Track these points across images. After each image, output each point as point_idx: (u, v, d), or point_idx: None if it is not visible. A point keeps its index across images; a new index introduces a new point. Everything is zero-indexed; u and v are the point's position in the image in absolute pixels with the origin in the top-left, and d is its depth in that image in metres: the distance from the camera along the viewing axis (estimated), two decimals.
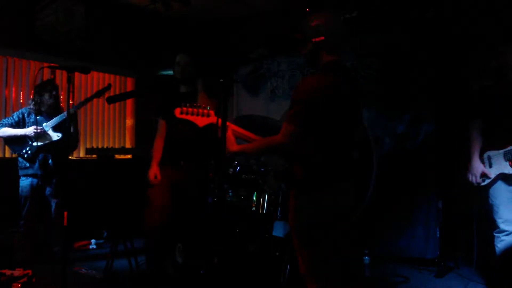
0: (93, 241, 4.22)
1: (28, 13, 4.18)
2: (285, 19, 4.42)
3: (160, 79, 4.72)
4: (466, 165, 2.88)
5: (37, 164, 3.55)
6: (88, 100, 3.66)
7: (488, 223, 2.89)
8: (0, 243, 3.70)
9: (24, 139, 3.54)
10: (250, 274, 2.87)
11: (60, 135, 3.58)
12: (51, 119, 3.57)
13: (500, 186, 2.78)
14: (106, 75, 4.95)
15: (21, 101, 4.28)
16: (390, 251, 3.69)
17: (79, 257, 3.81)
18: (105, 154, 3.80)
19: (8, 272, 2.92)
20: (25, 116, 3.60)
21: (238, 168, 3.18)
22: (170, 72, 3.30)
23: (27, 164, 3.56)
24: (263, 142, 1.90)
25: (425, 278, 3.32)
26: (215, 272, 2.54)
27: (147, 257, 3.01)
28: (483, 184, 2.82)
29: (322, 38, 1.78)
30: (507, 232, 2.76)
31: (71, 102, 3.90)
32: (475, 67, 3.66)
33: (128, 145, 5.08)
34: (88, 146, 4.70)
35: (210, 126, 2.03)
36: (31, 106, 3.59)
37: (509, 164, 2.72)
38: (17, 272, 2.94)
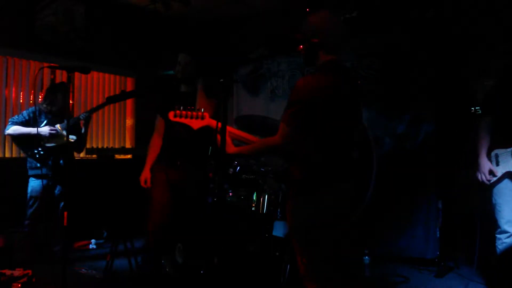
0: (93, 241, 4.22)
1: (28, 13, 4.18)
2: (285, 19, 4.42)
3: (161, 79, 4.72)
4: (467, 165, 2.88)
5: (48, 165, 3.55)
6: (101, 106, 3.71)
7: (490, 223, 2.88)
8: (1, 242, 3.70)
9: (35, 139, 3.50)
10: (250, 274, 2.87)
11: (74, 137, 3.62)
12: (61, 119, 3.58)
13: (506, 185, 2.77)
14: (106, 75, 4.95)
15: (21, 101, 4.28)
16: (390, 251, 3.69)
17: (79, 257, 3.81)
18: (105, 154, 3.80)
19: (8, 272, 2.92)
20: (36, 115, 3.57)
21: (238, 168, 3.18)
22: (171, 72, 3.29)
23: (38, 164, 3.54)
24: (260, 144, 1.90)
25: (425, 278, 3.32)
26: (215, 272, 2.54)
27: (146, 257, 3.00)
28: (488, 183, 2.81)
29: (320, 37, 1.78)
30: (509, 234, 2.73)
31: (71, 102, 3.92)
32: (475, 67, 3.66)
33: (128, 145, 5.08)
34: (88, 146, 4.70)
35: (205, 128, 2.03)
36: (43, 106, 3.60)
37: None
38: (17, 272, 2.94)
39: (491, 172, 2.75)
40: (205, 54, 5.14)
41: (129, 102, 5.12)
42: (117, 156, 3.49)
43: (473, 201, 3.14)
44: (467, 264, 3.44)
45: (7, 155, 4.16)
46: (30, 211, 3.55)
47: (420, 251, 3.61)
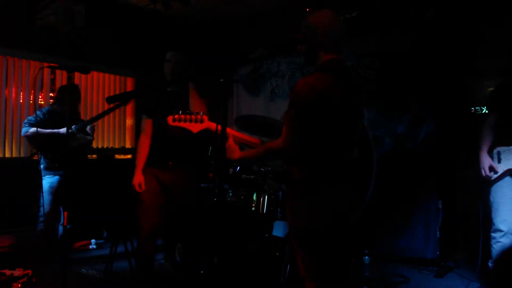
0: (93, 241, 4.22)
1: (28, 13, 4.18)
2: (285, 19, 4.42)
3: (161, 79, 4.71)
4: (467, 165, 2.88)
5: (65, 165, 3.58)
6: (106, 113, 3.76)
7: (491, 222, 2.90)
8: (1, 242, 3.70)
9: (54, 139, 3.52)
10: (250, 274, 2.87)
11: (92, 138, 3.66)
12: (75, 121, 3.63)
13: (506, 183, 2.79)
14: (106, 75, 4.95)
15: (21, 101, 4.28)
16: (390, 251, 3.69)
17: (79, 257, 3.81)
18: (105, 154, 3.82)
19: (8, 272, 2.91)
20: (51, 115, 3.57)
21: (238, 168, 3.18)
22: None
23: (56, 165, 3.56)
24: (264, 148, 1.89)
25: (425, 278, 3.32)
26: (215, 272, 2.54)
27: (140, 262, 2.82)
28: (490, 179, 2.83)
29: (320, 36, 1.78)
30: (503, 233, 2.78)
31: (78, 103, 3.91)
32: (475, 67, 3.66)
33: (128, 145, 5.08)
34: None
35: (204, 132, 2.02)
36: (55, 106, 3.61)
37: None
38: (17, 272, 2.94)
39: (492, 169, 2.77)
40: (205, 54, 5.14)
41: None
42: (117, 156, 3.50)
43: (473, 201, 3.14)
44: (467, 264, 3.44)
45: (7, 155, 4.16)
46: (47, 210, 3.55)
47: (420, 251, 3.61)
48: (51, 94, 4.54)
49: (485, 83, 3.50)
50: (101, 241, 4.28)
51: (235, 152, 1.93)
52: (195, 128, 2.00)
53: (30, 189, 4.06)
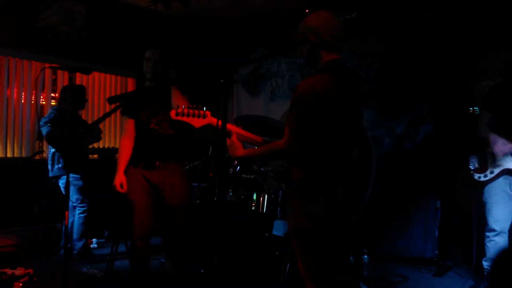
0: (94, 240, 4.23)
1: (30, 14, 4.19)
2: (285, 19, 4.42)
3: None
4: (466, 164, 2.91)
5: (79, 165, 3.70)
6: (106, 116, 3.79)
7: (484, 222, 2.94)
8: (3, 242, 3.72)
9: (72, 139, 3.60)
10: (250, 274, 2.87)
11: (99, 138, 3.83)
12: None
13: (498, 184, 2.82)
14: (107, 75, 4.97)
15: (22, 101, 4.29)
16: (390, 250, 3.70)
17: (80, 256, 3.82)
18: (105, 154, 3.83)
19: (9, 271, 2.93)
20: (61, 115, 3.63)
21: (238, 168, 3.19)
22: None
23: (72, 164, 3.64)
24: (267, 148, 1.90)
25: (424, 277, 3.33)
26: (215, 272, 2.55)
27: (132, 259, 2.79)
28: (484, 179, 2.86)
29: (320, 36, 1.78)
30: (496, 232, 2.84)
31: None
32: (475, 67, 3.66)
33: None
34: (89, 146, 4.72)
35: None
36: (64, 106, 3.66)
37: None
38: (18, 271, 2.95)
39: (487, 169, 2.83)
40: (205, 54, 5.15)
41: None
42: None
43: (472, 201, 3.16)
44: (466, 264, 3.45)
45: (9, 155, 4.17)
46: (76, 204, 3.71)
47: (419, 251, 3.62)
48: (52, 95, 4.56)
49: (484, 83, 3.50)
50: (102, 240, 4.30)
51: (238, 150, 1.93)
52: (197, 123, 1.97)
53: (30, 189, 4.08)
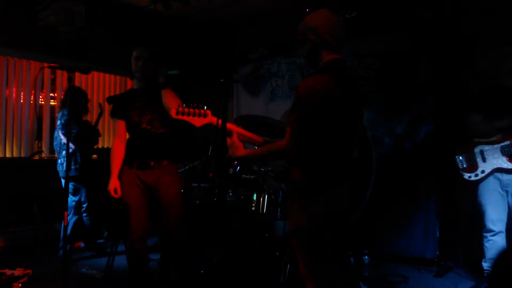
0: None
1: (29, 14, 4.18)
2: (285, 19, 4.41)
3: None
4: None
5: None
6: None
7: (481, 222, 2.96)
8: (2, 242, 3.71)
9: (94, 140, 3.91)
10: (250, 274, 2.87)
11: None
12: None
13: (491, 183, 2.84)
14: (106, 75, 4.96)
15: (21, 101, 4.28)
16: (390, 251, 3.69)
17: (79, 257, 3.81)
18: (105, 154, 3.82)
19: (8, 271, 2.92)
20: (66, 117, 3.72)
21: (238, 168, 3.18)
22: (174, 72, 3.20)
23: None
24: (268, 148, 1.89)
25: (425, 278, 3.32)
26: (215, 272, 2.55)
27: (130, 261, 2.73)
28: (475, 178, 2.88)
29: (320, 36, 1.78)
30: (494, 232, 2.87)
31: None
32: (475, 67, 3.66)
33: None
34: None
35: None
36: (68, 108, 3.71)
37: (507, 159, 2.77)
38: (17, 272, 2.95)
39: (476, 169, 2.91)
40: (205, 54, 5.15)
41: None
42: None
43: (473, 201, 3.15)
44: (467, 264, 3.45)
45: (8, 155, 4.17)
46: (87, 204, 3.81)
47: (420, 251, 3.61)
48: (51, 94, 4.55)
49: (484, 83, 3.50)
50: (101, 240, 4.29)
51: (238, 150, 1.92)
52: (198, 122, 1.96)
53: (29, 189, 4.07)
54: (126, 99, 2.73)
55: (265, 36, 4.61)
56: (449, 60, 3.73)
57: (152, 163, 2.63)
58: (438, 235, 3.56)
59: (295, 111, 1.73)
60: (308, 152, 1.75)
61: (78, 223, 3.81)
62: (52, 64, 4.11)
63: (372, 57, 3.97)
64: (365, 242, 3.34)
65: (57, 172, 3.75)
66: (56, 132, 3.82)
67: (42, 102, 4.51)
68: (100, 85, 4.91)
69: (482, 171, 2.87)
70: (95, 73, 4.83)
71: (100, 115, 3.92)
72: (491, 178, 2.86)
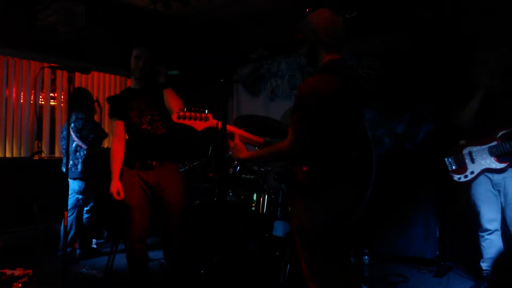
0: (93, 240, 4.22)
1: (29, 14, 4.19)
2: (285, 19, 4.41)
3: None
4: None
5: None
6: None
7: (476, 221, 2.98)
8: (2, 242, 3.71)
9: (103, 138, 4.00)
10: (250, 274, 2.87)
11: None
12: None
13: (483, 183, 2.87)
14: (106, 75, 4.96)
15: (21, 101, 4.28)
16: (390, 251, 3.69)
17: (79, 257, 3.81)
18: (105, 154, 3.82)
19: (8, 271, 2.92)
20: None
21: (238, 168, 3.19)
22: (175, 72, 3.20)
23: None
24: (271, 149, 1.89)
25: (425, 278, 3.32)
26: (215, 272, 2.55)
27: (130, 261, 2.71)
28: (464, 180, 2.90)
29: (320, 36, 1.78)
30: (490, 231, 2.88)
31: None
32: (475, 67, 3.66)
33: None
34: None
35: (209, 130, 1.98)
36: (84, 113, 3.78)
37: (495, 159, 2.79)
38: (17, 272, 2.94)
39: (466, 170, 2.94)
40: (205, 54, 5.15)
41: None
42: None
43: (467, 202, 3.16)
44: (467, 264, 3.45)
45: (8, 155, 4.17)
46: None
47: (420, 251, 3.61)
48: (51, 94, 4.55)
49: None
50: (101, 240, 4.29)
51: (241, 152, 1.92)
52: (199, 126, 1.95)
53: (29, 189, 4.07)
54: (124, 99, 2.71)
55: (265, 36, 4.61)
56: (449, 60, 3.72)
57: (154, 163, 2.62)
58: (438, 235, 3.55)
59: (296, 111, 1.73)
60: (310, 152, 1.75)
61: (78, 221, 3.82)
62: (52, 64, 4.11)
63: (372, 57, 3.97)
64: (365, 242, 3.34)
65: (58, 172, 3.76)
66: (62, 133, 3.84)
67: (42, 102, 4.51)
68: (100, 85, 4.91)
69: (471, 172, 2.91)
70: (95, 73, 4.83)
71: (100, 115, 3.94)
72: (482, 179, 2.88)
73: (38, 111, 4.45)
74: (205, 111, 1.96)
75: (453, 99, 3.74)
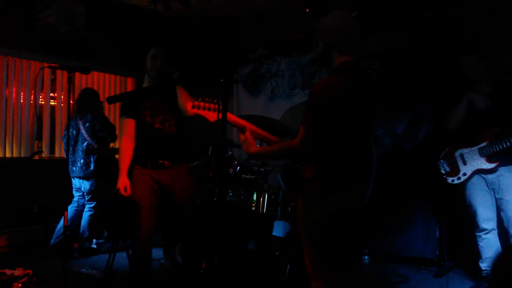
0: (93, 240, 4.22)
1: (29, 14, 4.19)
2: (285, 19, 4.43)
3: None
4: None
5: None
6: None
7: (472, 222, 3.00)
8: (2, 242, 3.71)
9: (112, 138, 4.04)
10: (250, 274, 2.87)
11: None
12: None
13: (476, 184, 2.88)
14: (106, 75, 4.96)
15: (21, 101, 4.28)
16: (390, 251, 3.69)
17: (79, 257, 3.81)
18: (105, 154, 3.82)
19: (8, 271, 2.92)
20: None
21: (238, 168, 3.19)
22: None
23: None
24: (280, 146, 1.89)
25: (425, 278, 3.32)
26: (215, 272, 2.54)
27: (135, 260, 2.74)
28: (458, 182, 2.92)
29: (334, 39, 1.79)
30: (487, 231, 2.90)
31: (71, 102, 3.94)
32: (463, 70, 3.66)
33: None
34: None
35: (209, 130, 1.99)
36: (98, 114, 3.84)
37: (485, 160, 2.81)
38: (17, 272, 2.95)
39: (459, 171, 2.96)
40: (205, 54, 5.15)
41: None
42: (117, 156, 3.51)
43: (463, 202, 3.16)
44: (467, 264, 3.45)
45: (8, 155, 4.17)
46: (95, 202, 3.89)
47: (420, 251, 3.61)
48: (51, 94, 4.55)
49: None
50: (101, 240, 4.29)
51: (251, 146, 1.93)
52: (212, 117, 1.93)
53: (29, 189, 4.07)
54: (136, 98, 2.73)
55: (265, 36, 4.61)
56: (449, 60, 3.72)
57: (166, 162, 2.64)
58: (438, 235, 3.56)
59: (308, 110, 1.74)
60: (321, 152, 1.76)
61: (77, 218, 3.83)
62: (52, 64, 4.11)
63: (372, 57, 3.98)
64: (365, 242, 3.34)
65: (59, 173, 3.77)
66: (71, 133, 3.80)
67: (42, 102, 4.51)
68: (100, 85, 4.91)
69: (464, 174, 2.93)
70: (95, 73, 4.83)
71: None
72: (476, 179, 2.91)
73: (38, 111, 4.44)
74: (218, 103, 1.95)
75: (453, 99, 3.74)
